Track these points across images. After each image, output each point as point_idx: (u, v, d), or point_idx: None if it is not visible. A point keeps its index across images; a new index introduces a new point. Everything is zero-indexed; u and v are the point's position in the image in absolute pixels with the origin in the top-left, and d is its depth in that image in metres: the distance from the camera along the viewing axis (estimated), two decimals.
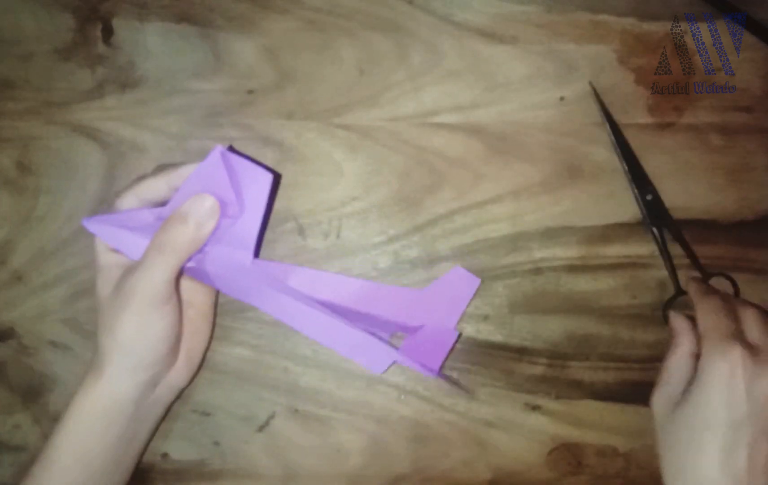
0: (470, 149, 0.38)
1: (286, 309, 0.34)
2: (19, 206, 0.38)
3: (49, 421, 0.38)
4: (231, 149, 0.33)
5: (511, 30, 0.38)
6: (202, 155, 0.37)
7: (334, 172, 0.38)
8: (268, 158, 0.38)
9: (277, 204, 0.38)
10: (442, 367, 0.37)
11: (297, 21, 0.38)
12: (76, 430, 0.32)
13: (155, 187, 0.32)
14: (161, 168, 0.33)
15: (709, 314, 0.32)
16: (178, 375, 0.35)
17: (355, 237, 0.38)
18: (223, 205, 0.32)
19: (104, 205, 0.38)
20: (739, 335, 0.31)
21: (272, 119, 0.38)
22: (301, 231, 0.38)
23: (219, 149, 0.30)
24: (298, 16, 0.38)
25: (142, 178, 0.33)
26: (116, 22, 0.38)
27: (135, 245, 0.32)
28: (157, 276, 0.31)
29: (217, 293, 0.38)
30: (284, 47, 0.38)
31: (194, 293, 0.36)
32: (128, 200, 0.32)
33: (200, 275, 0.34)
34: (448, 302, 0.37)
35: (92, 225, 0.32)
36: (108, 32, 0.38)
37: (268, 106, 0.38)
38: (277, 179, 0.38)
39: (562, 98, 0.38)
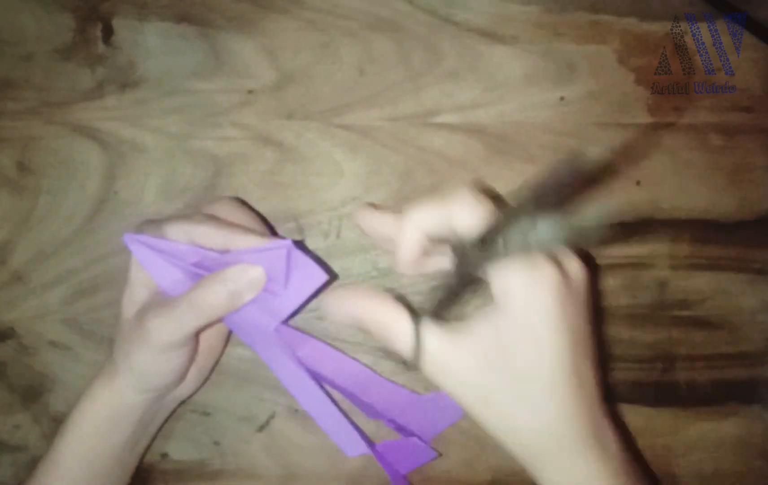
0: (470, 149, 0.38)
1: (288, 374, 0.34)
2: (19, 206, 0.38)
3: (49, 421, 0.38)
4: (296, 243, 0.31)
5: (511, 30, 0.38)
6: (202, 154, 0.38)
7: (334, 172, 0.38)
8: (268, 158, 0.38)
9: (278, 204, 0.38)
10: (406, 477, 0.38)
11: (297, 21, 0.38)
12: (82, 433, 0.32)
13: (211, 239, 0.30)
14: (219, 222, 0.31)
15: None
16: (186, 387, 0.35)
17: (355, 237, 0.38)
18: (269, 280, 0.31)
19: (104, 204, 0.38)
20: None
21: (272, 119, 0.38)
22: (301, 231, 0.38)
23: (288, 244, 0.28)
24: (298, 16, 0.38)
25: (200, 220, 0.31)
26: (116, 22, 0.38)
27: (167, 276, 0.31)
28: (181, 330, 0.30)
29: None
30: (284, 47, 0.38)
31: None
32: (177, 234, 0.31)
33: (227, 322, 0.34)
34: (439, 414, 0.37)
35: (132, 243, 0.31)
36: (108, 32, 0.38)
37: (268, 106, 0.38)
38: (331, 279, 0.37)
39: (562, 98, 0.38)
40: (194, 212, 0.32)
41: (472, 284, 0.27)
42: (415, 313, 0.26)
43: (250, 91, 0.38)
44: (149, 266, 0.31)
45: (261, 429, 0.38)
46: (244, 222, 0.32)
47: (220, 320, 0.32)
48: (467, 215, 0.25)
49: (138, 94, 0.38)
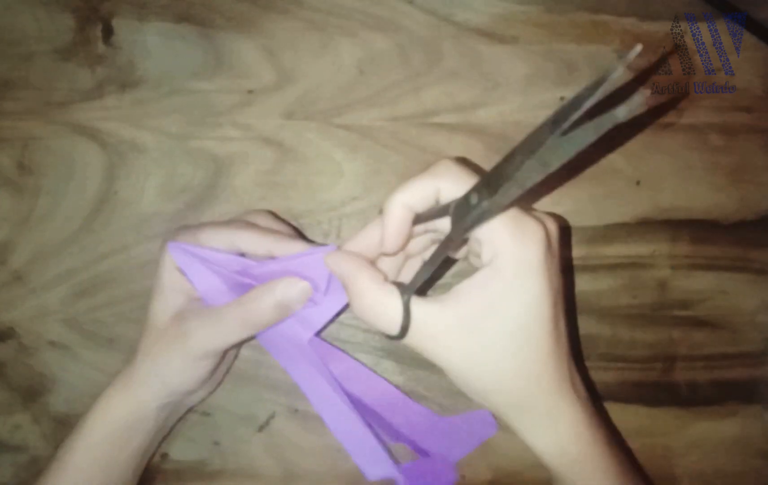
0: (470, 149, 0.38)
1: (316, 388, 0.34)
2: (19, 206, 0.38)
3: (49, 421, 0.38)
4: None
5: (511, 30, 0.38)
6: (202, 154, 0.38)
7: (334, 172, 0.38)
8: (268, 158, 0.38)
9: (278, 204, 0.38)
10: None
11: (297, 21, 0.38)
12: (95, 440, 0.32)
13: (255, 246, 0.30)
14: (262, 230, 0.31)
15: None
16: (202, 393, 0.35)
17: None
18: (314, 293, 0.31)
19: (104, 205, 0.38)
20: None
21: (272, 119, 0.38)
22: (301, 231, 0.38)
23: (333, 249, 0.29)
24: (298, 16, 0.38)
25: (240, 226, 0.31)
26: (116, 22, 0.38)
27: (209, 284, 0.31)
28: (227, 340, 0.30)
29: None
30: (284, 47, 0.38)
31: None
32: (218, 241, 0.31)
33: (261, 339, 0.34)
34: (462, 439, 0.37)
35: (176, 252, 0.31)
36: (108, 32, 0.38)
37: (268, 106, 0.38)
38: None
39: (562, 98, 0.38)
40: (234, 219, 0.32)
41: (449, 262, 0.28)
42: (402, 288, 0.26)
43: (250, 91, 0.38)
44: (191, 273, 0.31)
45: (261, 429, 0.38)
46: (282, 231, 0.32)
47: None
48: (454, 186, 0.26)
49: (138, 94, 0.38)
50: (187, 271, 0.31)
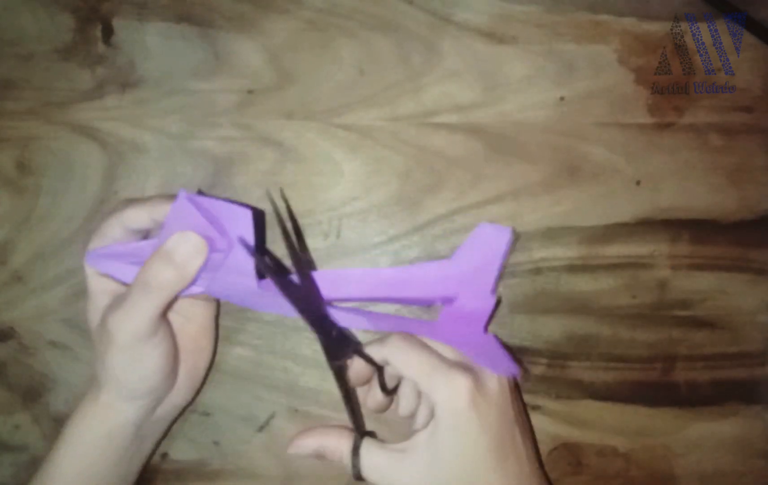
0: (470, 149, 0.38)
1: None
2: (19, 206, 0.38)
3: (49, 421, 0.38)
4: (201, 192, 0.31)
5: (511, 30, 0.38)
6: (202, 154, 0.38)
7: (334, 172, 0.38)
8: (268, 158, 0.38)
9: (278, 204, 0.38)
10: (485, 335, 0.35)
11: (297, 21, 0.38)
12: (78, 448, 0.32)
13: (139, 217, 0.31)
14: (138, 199, 0.33)
15: (416, 355, 0.31)
16: (180, 393, 0.35)
17: (355, 237, 0.38)
18: (209, 240, 0.31)
19: (104, 205, 0.38)
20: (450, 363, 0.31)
21: (272, 119, 0.38)
22: (301, 231, 0.38)
23: (183, 193, 0.29)
24: (298, 16, 0.38)
25: (126, 204, 0.32)
26: (116, 22, 0.38)
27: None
28: (140, 315, 0.30)
29: (219, 305, 0.37)
30: (284, 47, 0.38)
31: (193, 309, 0.35)
32: (113, 228, 0.32)
33: (208, 293, 0.33)
34: (480, 265, 0.34)
35: (94, 261, 0.31)
36: (108, 32, 0.38)
37: (268, 106, 0.38)
38: (258, 214, 0.36)
39: (562, 98, 0.38)
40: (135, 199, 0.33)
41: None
42: (360, 433, 0.32)
43: (250, 91, 0.38)
44: (116, 273, 0.31)
45: (261, 429, 0.38)
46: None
47: (176, 297, 0.32)
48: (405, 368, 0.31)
49: (138, 94, 0.38)
50: (111, 273, 0.31)
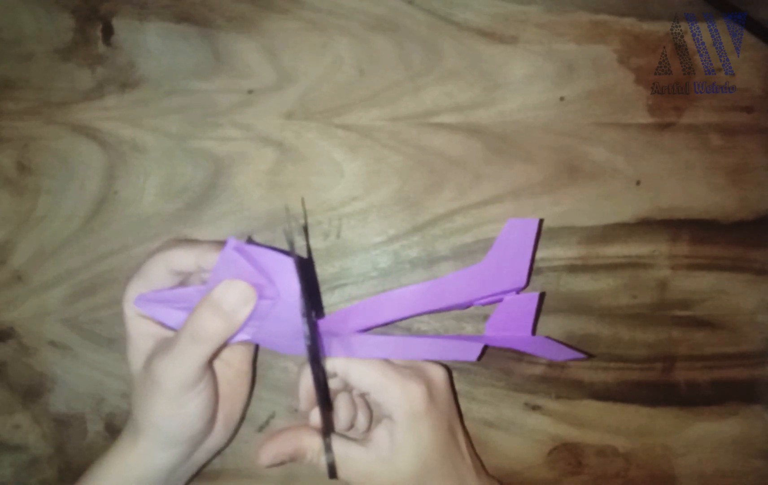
0: (470, 149, 0.38)
1: (361, 348, 0.33)
2: (19, 206, 0.38)
3: (49, 421, 0.38)
4: (250, 240, 0.31)
5: (511, 30, 0.38)
6: (202, 154, 0.38)
7: (334, 172, 0.38)
8: (268, 158, 0.38)
9: (278, 204, 0.38)
10: (534, 332, 0.36)
11: (297, 21, 0.38)
12: None
13: (185, 260, 0.31)
14: (187, 241, 0.33)
15: (371, 366, 0.33)
16: (216, 438, 0.34)
17: (355, 237, 0.38)
18: (257, 287, 0.30)
19: (104, 205, 0.38)
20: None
21: (272, 119, 0.38)
22: (301, 231, 0.38)
23: (231, 241, 0.28)
24: (298, 16, 0.38)
25: (173, 245, 0.32)
26: (116, 22, 0.38)
27: (182, 320, 0.31)
28: (187, 364, 0.30)
29: (257, 349, 0.37)
30: (284, 47, 0.38)
31: (232, 353, 0.35)
32: (157, 267, 0.31)
33: (254, 341, 0.33)
34: (513, 260, 0.33)
35: (143, 305, 0.31)
36: (108, 32, 0.38)
37: (268, 106, 0.38)
38: (303, 260, 0.36)
39: (562, 98, 0.38)
40: (187, 241, 0.33)
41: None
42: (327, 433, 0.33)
43: (250, 91, 0.38)
44: (165, 319, 0.31)
45: (261, 429, 0.38)
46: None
47: (245, 346, 0.33)
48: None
49: (138, 94, 0.38)
50: (159, 318, 0.31)
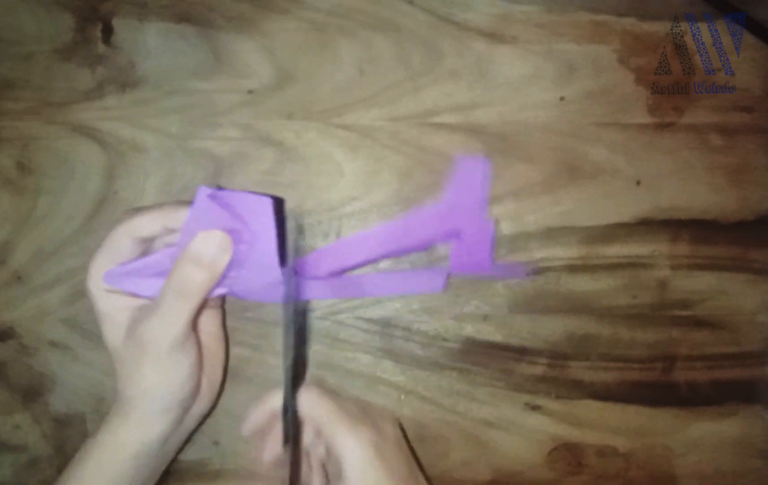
0: (470, 149, 0.38)
1: (333, 289, 0.35)
2: (19, 206, 0.38)
3: (49, 421, 0.38)
4: (220, 187, 0.31)
5: (511, 30, 0.38)
6: (202, 154, 0.38)
7: (334, 172, 0.38)
8: (268, 158, 0.38)
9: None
10: (493, 261, 0.38)
11: (297, 21, 0.38)
12: (106, 469, 0.31)
13: (150, 225, 0.31)
14: (147, 206, 0.32)
15: (325, 406, 0.32)
16: (203, 402, 0.35)
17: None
18: (233, 233, 0.30)
19: (104, 205, 0.38)
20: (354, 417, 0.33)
21: (272, 119, 0.38)
22: (301, 231, 0.38)
23: (202, 189, 0.29)
24: (298, 16, 0.38)
25: (133, 213, 0.31)
26: (116, 22, 0.38)
27: (157, 287, 0.31)
28: (177, 321, 0.30)
29: (224, 310, 0.37)
30: (284, 47, 0.38)
31: (204, 319, 0.35)
32: (120, 239, 0.31)
33: (231, 294, 0.34)
34: (468, 197, 0.37)
35: (112, 280, 0.31)
36: (108, 32, 0.38)
37: (268, 106, 0.38)
38: (278, 202, 0.37)
39: (562, 98, 0.38)
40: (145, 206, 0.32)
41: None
42: None
43: (250, 91, 0.38)
44: (135, 289, 0.31)
45: None
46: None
47: (217, 299, 0.32)
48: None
49: (138, 94, 0.38)
50: (132, 290, 0.31)
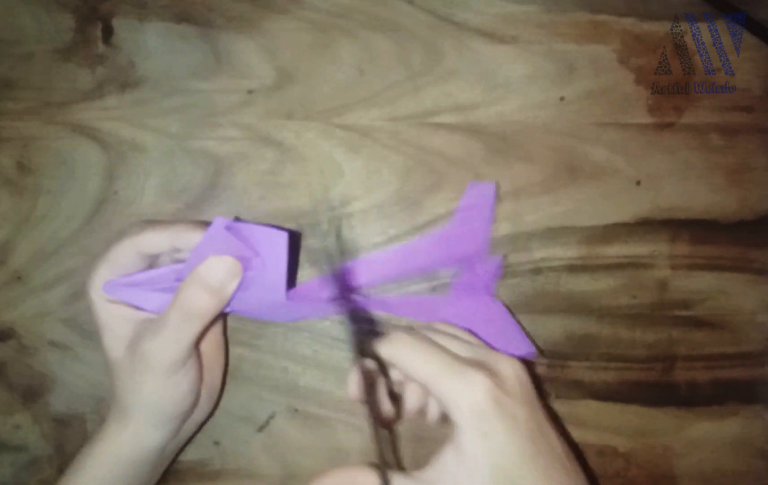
0: (470, 149, 0.38)
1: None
2: (19, 206, 0.38)
3: (49, 421, 0.38)
4: (237, 219, 0.32)
5: (511, 30, 0.38)
6: (202, 154, 0.38)
7: (334, 172, 0.38)
8: (268, 158, 0.38)
9: (278, 204, 0.38)
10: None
11: (297, 21, 0.38)
12: (103, 476, 0.31)
13: (158, 243, 0.30)
14: (158, 223, 0.31)
15: (424, 354, 0.28)
16: (201, 410, 0.35)
17: (355, 237, 0.38)
18: (243, 260, 0.30)
19: (104, 205, 0.38)
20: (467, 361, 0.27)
21: (272, 119, 0.38)
22: (301, 231, 0.38)
23: (219, 220, 0.28)
24: (298, 16, 0.38)
25: (142, 228, 0.31)
26: (116, 22, 0.38)
27: (160, 302, 0.31)
28: (181, 342, 0.29)
29: (227, 319, 0.37)
30: (284, 47, 0.38)
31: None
32: (126, 253, 0.31)
33: (232, 312, 0.34)
34: (474, 224, 0.36)
35: (112, 290, 0.30)
36: (108, 32, 0.38)
37: (268, 106, 0.38)
38: (294, 236, 0.37)
39: (562, 98, 0.38)
40: (156, 221, 0.32)
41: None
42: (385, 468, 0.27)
43: (250, 91, 0.38)
44: (137, 301, 0.31)
45: (261, 429, 0.38)
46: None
47: (220, 319, 0.32)
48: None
49: (138, 94, 0.38)
50: (132, 302, 0.31)
